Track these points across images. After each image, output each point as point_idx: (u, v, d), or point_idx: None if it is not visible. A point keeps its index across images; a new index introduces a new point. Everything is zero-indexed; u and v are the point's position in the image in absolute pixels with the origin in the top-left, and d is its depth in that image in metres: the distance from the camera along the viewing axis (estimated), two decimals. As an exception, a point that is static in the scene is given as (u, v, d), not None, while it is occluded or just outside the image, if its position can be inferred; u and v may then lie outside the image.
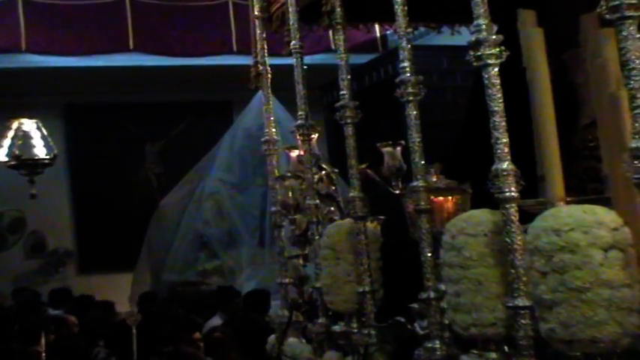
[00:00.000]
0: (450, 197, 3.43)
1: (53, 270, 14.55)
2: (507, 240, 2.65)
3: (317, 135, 4.56)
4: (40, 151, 11.05)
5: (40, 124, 10.94)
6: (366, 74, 10.87)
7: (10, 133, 11.33)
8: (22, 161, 10.96)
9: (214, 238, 12.34)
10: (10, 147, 11.26)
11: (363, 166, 4.07)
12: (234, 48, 12.83)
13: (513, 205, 2.65)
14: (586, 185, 3.65)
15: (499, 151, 2.67)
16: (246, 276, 11.43)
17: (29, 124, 11.11)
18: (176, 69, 13.17)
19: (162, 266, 12.66)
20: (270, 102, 5.06)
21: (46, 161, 11.03)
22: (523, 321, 2.63)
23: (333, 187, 4.65)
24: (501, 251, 2.75)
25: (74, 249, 14.96)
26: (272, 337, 5.06)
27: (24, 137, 11.04)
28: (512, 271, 2.64)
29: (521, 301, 2.62)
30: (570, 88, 3.79)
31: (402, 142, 4.04)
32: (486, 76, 2.69)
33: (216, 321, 8.97)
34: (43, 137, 10.90)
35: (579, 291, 2.35)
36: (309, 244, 4.63)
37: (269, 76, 5.07)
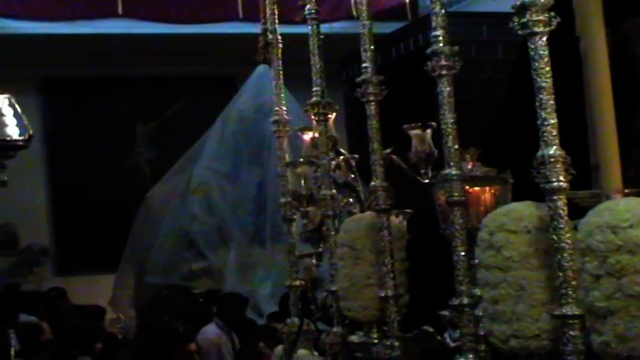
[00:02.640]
0: (487, 188, 3.43)
1: (26, 270, 14.59)
2: (554, 238, 2.65)
3: (334, 115, 4.56)
4: (12, 131, 11.04)
5: (14, 100, 10.94)
6: (393, 45, 10.86)
7: (-22, 111, 11.31)
8: (-9, 143, 10.97)
9: (202, 235, 12.36)
10: (-23, 126, 11.23)
11: (388, 150, 4.07)
12: (240, 14, 12.84)
13: (562, 196, 2.64)
14: (647, 176, 3.64)
15: (546, 134, 2.66)
16: (260, 278, 11.46)
17: (0, 100, 11.10)
18: (172, 38, 13.16)
19: (146, 266, 12.71)
20: (281, 77, 5.05)
21: (20, 143, 11.02)
22: (572, 332, 2.62)
23: (352, 175, 4.65)
24: (547, 251, 2.75)
25: (51, 246, 15.00)
26: (279, 348, 5.08)
27: (-6, 115, 11.03)
28: (560, 274, 2.63)
29: (570, 310, 2.62)
30: (631, 63, 3.78)
31: (433, 123, 4.04)
32: (533, 46, 2.69)
33: (211, 329, 8.96)
34: (16, 115, 10.88)
35: (639, 298, 2.35)
36: (324, 240, 4.64)
37: (280, 46, 5.06)
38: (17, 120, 10.83)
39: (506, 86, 6.21)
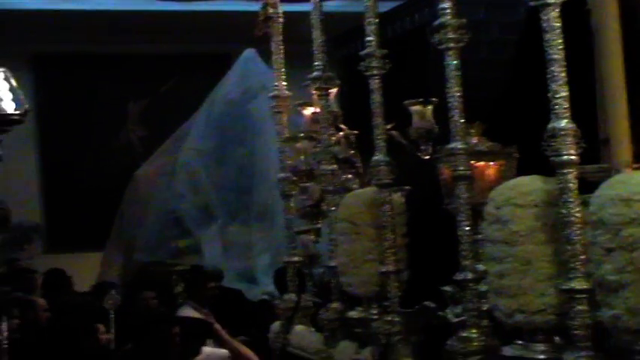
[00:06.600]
0: (492, 162, 3.40)
1: (17, 247, 14.50)
2: (563, 211, 2.62)
3: (336, 89, 4.52)
4: (8, 105, 10.94)
5: (9, 74, 10.84)
6: (389, 24, 10.78)
7: (-28, 85, 11.18)
8: (-13, 117, 10.87)
9: (188, 213, 12.40)
10: (-28, 100, 11.10)
11: (388, 126, 4.03)
12: (235, -10, 12.75)
13: (572, 170, 2.61)
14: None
15: (557, 106, 2.63)
16: (258, 250, 11.49)
17: (-4, 74, 11.01)
18: (165, 15, 13.08)
19: (133, 244, 12.73)
20: (282, 51, 5.00)
21: (16, 117, 10.95)
22: (579, 307, 2.60)
23: (352, 151, 4.61)
24: (554, 225, 2.73)
25: (42, 223, 14.93)
26: (276, 325, 5.04)
27: (-11, 89, 10.93)
28: (569, 247, 2.61)
29: (578, 284, 2.59)
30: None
31: (435, 99, 4.01)
32: (545, 17, 2.65)
33: (187, 312, 8.65)
34: (12, 89, 10.79)
35: (651, 271, 2.33)
36: (323, 216, 4.60)
37: (280, 20, 5.01)
38: (13, 94, 10.75)
39: (502, 66, 6.17)
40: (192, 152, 12.53)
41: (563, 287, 2.63)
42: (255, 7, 5.20)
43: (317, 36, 4.39)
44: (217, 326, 7.70)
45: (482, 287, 3.17)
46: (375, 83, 3.82)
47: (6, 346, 7.24)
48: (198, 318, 7.83)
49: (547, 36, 2.64)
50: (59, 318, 7.44)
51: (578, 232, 2.58)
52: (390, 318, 3.77)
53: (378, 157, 3.81)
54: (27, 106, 10.97)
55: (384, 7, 11.16)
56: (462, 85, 3.27)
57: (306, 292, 4.96)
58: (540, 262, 2.78)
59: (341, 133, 4.59)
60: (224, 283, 10.18)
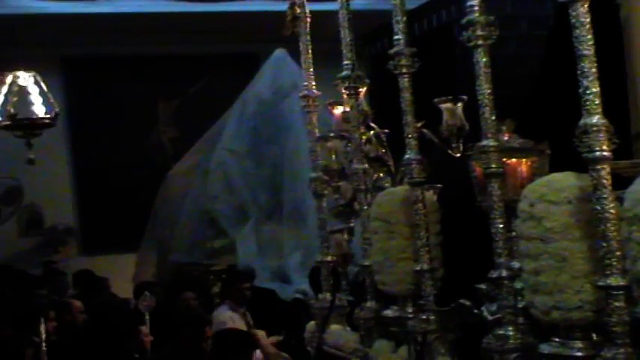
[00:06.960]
0: (524, 159, 3.38)
1: (51, 249, 14.56)
2: (598, 208, 2.60)
3: (365, 88, 4.51)
4: (38, 109, 11.00)
5: (39, 78, 10.89)
6: (416, 21, 10.77)
7: (4, 89, 11.19)
8: (19, 121, 10.90)
9: (223, 213, 12.40)
10: (4, 104, 11.11)
11: (419, 124, 4.02)
12: (263, -9, 12.77)
13: (605, 166, 2.60)
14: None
15: (588, 102, 2.62)
16: (289, 249, 11.49)
17: (26, 78, 11.03)
18: (194, 16, 13.12)
19: (167, 244, 12.76)
20: (310, 51, 5.00)
21: (46, 121, 11.00)
22: (617, 303, 2.59)
23: (383, 150, 4.61)
24: (589, 222, 2.71)
25: (76, 225, 15.00)
26: (311, 324, 5.04)
27: (20, 93, 10.96)
28: (604, 244, 2.59)
29: (615, 280, 2.58)
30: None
31: (465, 97, 3.99)
32: (574, 13, 2.63)
33: (224, 312, 8.70)
34: (42, 93, 10.85)
35: (687, 266, 2.31)
36: (356, 215, 4.60)
37: (308, 20, 5.01)
38: (43, 98, 10.81)
39: (530, 62, 6.14)
40: (226, 152, 12.54)
41: (600, 284, 2.62)
42: (283, 6, 5.19)
43: (345, 35, 4.39)
44: (258, 335, 7.72)
45: (518, 284, 3.16)
46: (404, 81, 3.82)
47: (44, 348, 7.30)
48: (244, 330, 7.85)
49: (576, 32, 2.63)
50: (101, 320, 7.45)
51: (613, 228, 2.56)
52: (425, 316, 3.77)
53: (410, 155, 3.80)
54: (57, 109, 11.05)
55: (411, 4, 11.14)
56: (491, 81, 3.26)
57: (341, 292, 4.97)
58: (576, 258, 2.76)
59: (372, 132, 4.58)
60: (258, 282, 10.22)
